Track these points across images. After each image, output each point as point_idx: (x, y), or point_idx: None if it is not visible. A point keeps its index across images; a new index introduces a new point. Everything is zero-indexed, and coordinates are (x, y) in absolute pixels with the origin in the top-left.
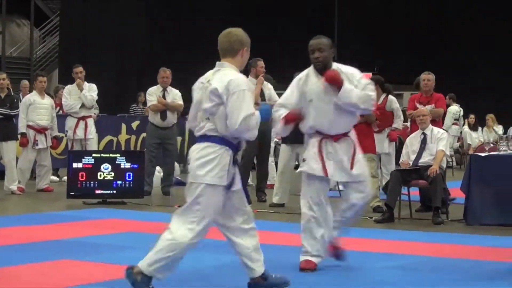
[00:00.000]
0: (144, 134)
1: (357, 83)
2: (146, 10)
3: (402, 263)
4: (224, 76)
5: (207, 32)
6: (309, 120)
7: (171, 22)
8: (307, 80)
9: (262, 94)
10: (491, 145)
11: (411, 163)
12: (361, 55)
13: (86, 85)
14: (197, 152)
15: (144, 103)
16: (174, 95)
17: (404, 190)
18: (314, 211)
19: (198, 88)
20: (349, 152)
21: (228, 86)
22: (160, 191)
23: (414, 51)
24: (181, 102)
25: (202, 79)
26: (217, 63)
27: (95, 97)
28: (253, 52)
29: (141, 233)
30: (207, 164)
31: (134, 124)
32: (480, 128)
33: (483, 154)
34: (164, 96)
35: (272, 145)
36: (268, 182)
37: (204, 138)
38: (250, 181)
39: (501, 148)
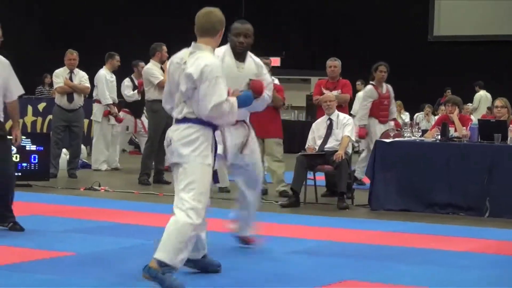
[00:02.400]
0: (50, 116)
1: (264, 79)
2: None
3: (306, 248)
4: (199, 60)
5: (111, 13)
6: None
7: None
8: (223, 60)
9: None
10: (396, 131)
11: (317, 148)
12: (269, 40)
13: None
14: (179, 132)
15: (50, 85)
16: (81, 77)
17: (310, 175)
18: None
19: (174, 69)
20: (243, 137)
21: (202, 72)
22: (66, 173)
23: (321, 36)
24: (88, 84)
25: (177, 59)
26: (193, 43)
27: None
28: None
29: (46, 215)
30: (190, 143)
31: (40, 106)
32: None
33: (387, 140)
34: (71, 78)
35: None
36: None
37: (185, 120)
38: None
39: (405, 135)
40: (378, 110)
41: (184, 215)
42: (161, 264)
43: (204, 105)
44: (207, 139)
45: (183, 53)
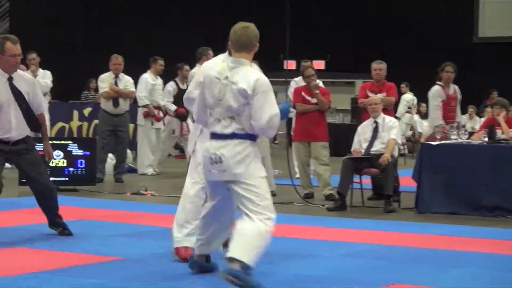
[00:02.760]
0: (96, 121)
1: None
2: None
3: (353, 251)
4: (247, 75)
5: (156, 21)
6: None
7: (119, 8)
8: None
9: None
10: (442, 133)
11: (362, 151)
12: (313, 43)
13: (41, 71)
14: (231, 148)
15: (95, 90)
16: (126, 82)
17: (356, 178)
18: None
19: (213, 83)
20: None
21: (254, 86)
22: (113, 178)
23: (365, 39)
24: (133, 89)
25: (214, 72)
26: (232, 58)
27: (50, 83)
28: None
29: (93, 220)
30: (245, 159)
31: (86, 111)
32: None
33: (433, 143)
34: (116, 83)
35: None
36: None
37: (234, 136)
38: None
39: (451, 137)
40: (445, 112)
41: (263, 225)
42: (244, 265)
43: (259, 117)
44: (257, 152)
45: (221, 67)
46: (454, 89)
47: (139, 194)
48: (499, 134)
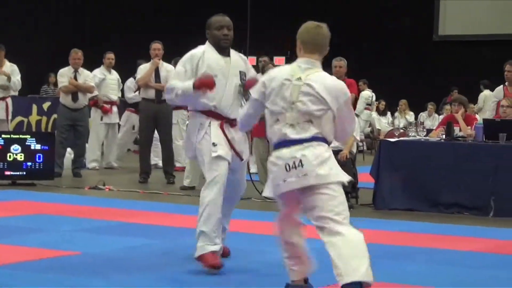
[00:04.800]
0: (55, 116)
1: (249, 70)
2: None
3: (311, 247)
4: (327, 80)
5: (122, 14)
6: (208, 98)
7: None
8: (204, 56)
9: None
10: (401, 130)
11: None
12: (274, 39)
13: (8, 64)
14: (312, 150)
15: (55, 84)
16: (86, 77)
17: None
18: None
19: (283, 85)
20: (244, 142)
21: (338, 95)
22: (71, 172)
23: None
24: (92, 83)
25: (283, 74)
26: (305, 60)
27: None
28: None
29: (51, 215)
30: (326, 161)
31: (45, 105)
32: (389, 113)
33: (392, 140)
34: (75, 78)
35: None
36: (178, 165)
37: (313, 139)
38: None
39: (410, 134)
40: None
41: (355, 232)
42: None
43: (348, 129)
44: (333, 156)
45: (290, 69)
46: None
47: (97, 188)
48: (457, 131)
